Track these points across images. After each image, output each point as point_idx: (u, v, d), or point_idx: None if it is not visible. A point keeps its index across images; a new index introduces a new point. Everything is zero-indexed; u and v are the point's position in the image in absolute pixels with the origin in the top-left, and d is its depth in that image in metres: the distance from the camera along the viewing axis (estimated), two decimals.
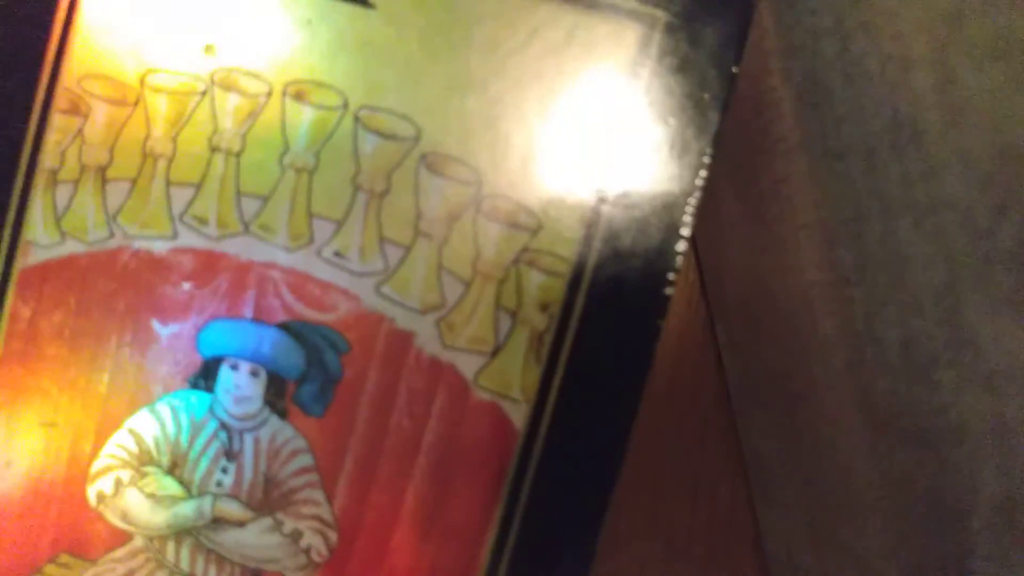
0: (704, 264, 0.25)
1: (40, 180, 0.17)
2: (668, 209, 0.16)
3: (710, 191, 0.24)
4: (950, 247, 0.15)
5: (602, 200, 0.16)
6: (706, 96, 0.16)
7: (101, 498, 0.17)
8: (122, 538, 0.17)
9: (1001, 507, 0.15)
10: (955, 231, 0.15)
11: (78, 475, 0.17)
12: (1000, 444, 0.15)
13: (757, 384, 0.23)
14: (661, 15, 0.16)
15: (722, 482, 0.25)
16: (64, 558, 0.17)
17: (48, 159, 0.17)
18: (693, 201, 0.16)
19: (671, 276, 0.16)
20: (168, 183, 0.17)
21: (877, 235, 0.17)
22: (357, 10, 0.16)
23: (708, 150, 0.16)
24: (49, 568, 0.17)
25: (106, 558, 0.17)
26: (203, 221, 0.17)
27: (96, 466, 0.18)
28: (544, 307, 0.16)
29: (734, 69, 0.16)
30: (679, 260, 0.16)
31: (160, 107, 0.17)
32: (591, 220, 0.16)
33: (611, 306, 0.16)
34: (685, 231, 0.16)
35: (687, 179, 0.16)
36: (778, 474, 0.23)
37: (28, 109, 0.17)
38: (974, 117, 0.15)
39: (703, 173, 0.16)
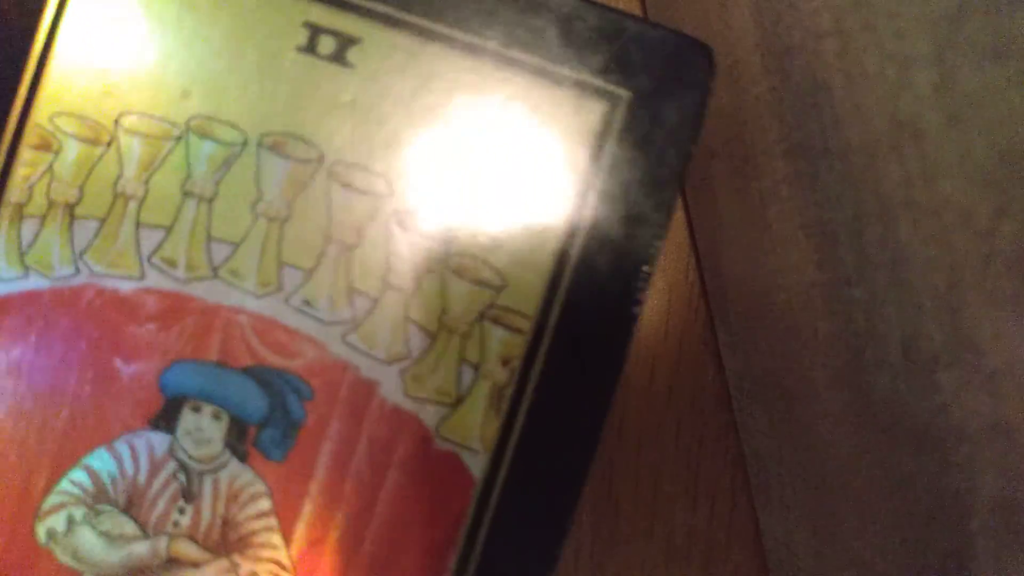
0: (704, 264, 0.25)
1: (5, 213, 0.17)
2: (625, 277, 0.17)
3: (711, 192, 0.24)
4: (950, 247, 0.15)
5: (563, 264, 0.17)
6: (664, 172, 0.17)
7: (52, 535, 0.17)
8: None
9: (1001, 507, 0.15)
10: (955, 231, 0.15)
11: (28, 512, 0.17)
12: (1000, 444, 0.15)
13: (757, 384, 0.23)
14: (624, 93, 0.17)
15: (722, 482, 0.25)
16: None
17: (15, 194, 0.17)
18: (648, 270, 0.17)
19: (626, 340, 0.17)
20: (138, 224, 0.17)
21: (877, 235, 0.17)
22: (337, 70, 0.17)
23: (665, 223, 0.17)
24: None
25: None
26: (172, 263, 0.17)
27: (48, 503, 0.17)
28: (506, 362, 0.17)
29: (692, 148, 0.17)
30: (634, 325, 0.17)
31: (133, 149, 0.17)
32: (553, 282, 0.17)
33: (570, 363, 0.17)
34: (640, 297, 0.17)
35: (643, 249, 0.17)
36: (778, 474, 0.23)
37: None
38: (974, 117, 0.15)
39: (658, 244, 0.17)
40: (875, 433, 0.18)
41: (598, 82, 0.17)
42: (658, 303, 0.25)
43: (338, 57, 0.17)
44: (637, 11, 0.26)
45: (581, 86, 0.17)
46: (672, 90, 0.17)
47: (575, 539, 0.24)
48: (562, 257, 0.17)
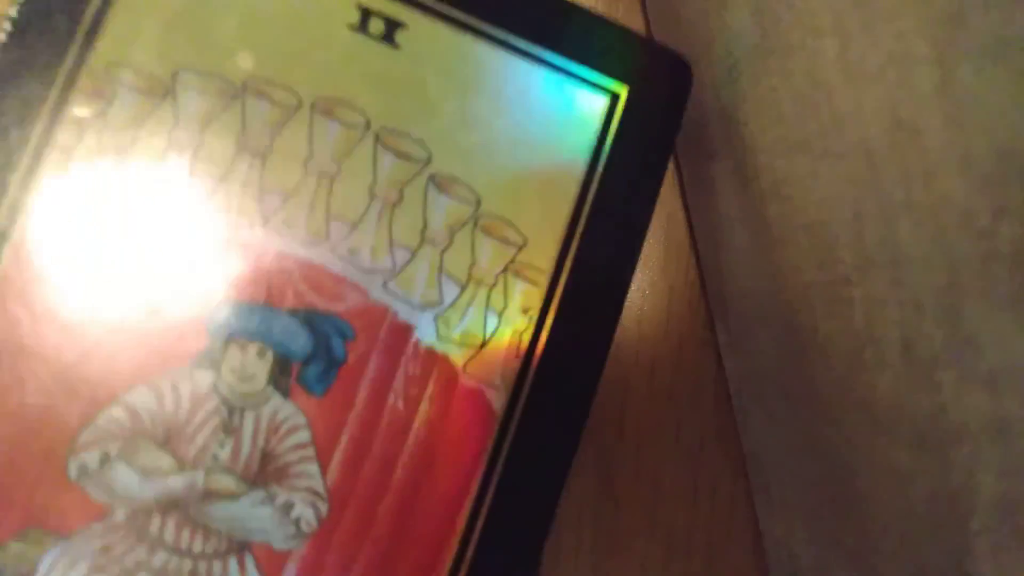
0: (704, 264, 0.25)
1: (52, 156, 0.18)
2: (625, 241, 0.20)
3: (711, 192, 0.24)
4: (950, 247, 0.15)
5: (574, 226, 0.20)
6: (654, 154, 0.21)
7: (84, 472, 0.17)
8: (101, 512, 0.17)
9: (1001, 507, 0.15)
10: (955, 231, 0.15)
11: (59, 448, 0.17)
12: (1000, 444, 0.15)
13: (757, 384, 0.23)
14: (622, 90, 0.20)
15: (722, 482, 0.25)
16: (33, 533, 0.17)
17: (64, 137, 0.18)
18: (642, 237, 0.20)
19: (624, 292, 0.20)
20: (191, 174, 0.18)
21: (877, 235, 0.17)
22: (385, 49, 0.19)
23: (655, 197, 0.20)
24: (14, 544, 0.17)
25: (81, 532, 0.17)
26: (224, 210, 0.18)
27: (82, 439, 0.17)
28: (525, 310, 0.19)
29: (675, 136, 0.21)
30: (630, 280, 0.20)
31: (190, 103, 0.18)
32: (565, 242, 0.20)
33: (577, 312, 0.20)
34: (636, 260, 0.20)
35: (639, 221, 0.20)
36: (778, 474, 0.23)
37: (47, 88, 0.18)
38: (974, 117, 0.15)
39: (650, 214, 0.20)
40: (875, 433, 0.18)
41: (603, 79, 0.20)
42: (658, 303, 0.25)
43: (387, 38, 0.19)
44: (638, 11, 0.26)
45: (590, 83, 0.20)
46: (660, 90, 0.21)
47: (575, 539, 0.24)
48: (573, 221, 0.20)
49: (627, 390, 0.25)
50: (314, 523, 0.18)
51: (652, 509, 0.25)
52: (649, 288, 0.25)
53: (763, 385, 0.23)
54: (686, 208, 0.26)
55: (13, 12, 0.18)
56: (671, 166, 0.26)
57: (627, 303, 0.25)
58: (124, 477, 0.17)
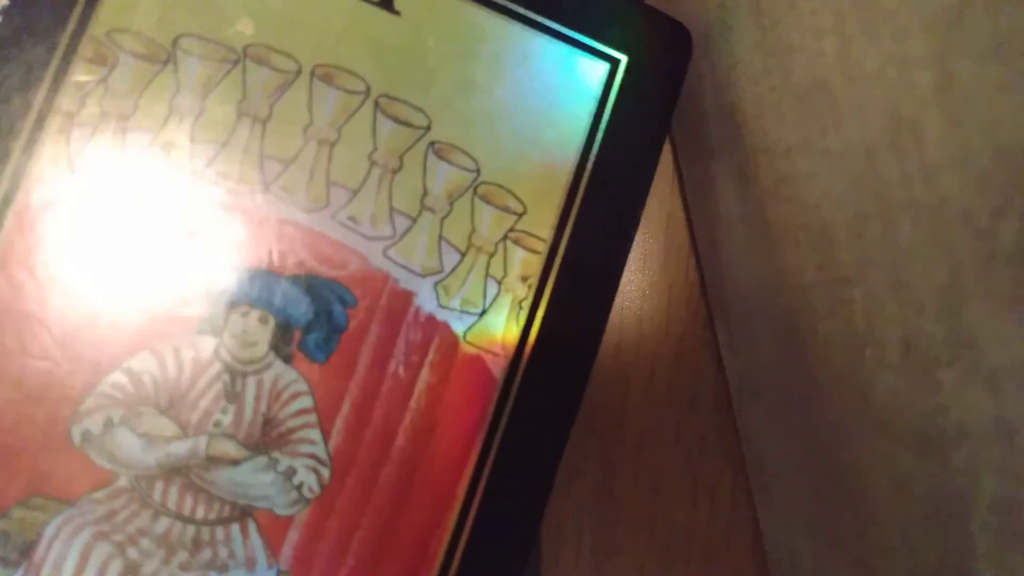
0: (704, 264, 0.25)
1: (55, 121, 0.18)
2: (625, 210, 0.20)
3: (711, 192, 0.24)
4: (950, 247, 0.15)
5: (572, 196, 0.20)
6: (653, 122, 0.21)
7: (87, 438, 0.17)
8: (105, 478, 0.17)
9: (1001, 507, 0.15)
10: (955, 231, 0.15)
11: (62, 414, 0.17)
12: (1000, 444, 0.15)
13: (757, 384, 0.23)
14: (622, 57, 0.20)
15: (722, 482, 0.25)
16: (37, 500, 0.17)
17: (66, 102, 0.18)
18: (640, 207, 0.20)
19: (622, 262, 0.20)
20: (192, 140, 0.18)
21: (877, 235, 0.17)
22: (385, 16, 0.19)
23: (653, 165, 0.20)
24: (18, 511, 0.17)
25: (85, 499, 0.17)
26: (225, 176, 0.18)
27: (85, 405, 0.17)
28: (525, 278, 0.20)
29: (674, 103, 0.21)
30: (628, 249, 0.20)
31: (190, 69, 0.18)
32: (564, 212, 0.20)
33: (576, 280, 0.20)
34: (634, 230, 0.20)
35: (636, 191, 0.20)
36: (778, 474, 0.23)
37: (50, 54, 0.18)
38: (974, 117, 0.15)
39: (648, 183, 0.20)
40: (875, 433, 0.18)
41: (603, 47, 0.20)
42: (658, 303, 0.25)
43: (387, 4, 0.19)
44: None
45: (591, 50, 0.20)
46: (660, 57, 0.21)
47: (575, 539, 0.24)
48: (572, 189, 0.20)
49: (627, 390, 0.25)
50: (316, 489, 0.18)
51: (652, 509, 0.25)
52: (649, 288, 0.25)
53: (763, 385, 0.23)
54: (686, 208, 0.26)
55: None
56: (671, 166, 0.26)
57: (627, 303, 0.25)
58: (127, 443, 0.17)
